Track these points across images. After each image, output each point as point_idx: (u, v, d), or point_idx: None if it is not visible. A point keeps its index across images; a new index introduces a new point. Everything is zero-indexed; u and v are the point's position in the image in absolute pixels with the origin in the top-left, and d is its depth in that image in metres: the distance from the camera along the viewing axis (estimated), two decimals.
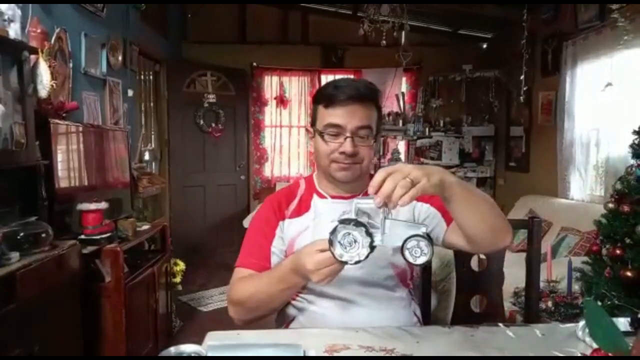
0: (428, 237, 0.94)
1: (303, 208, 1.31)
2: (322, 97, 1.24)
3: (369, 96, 1.23)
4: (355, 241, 0.93)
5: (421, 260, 0.94)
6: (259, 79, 5.63)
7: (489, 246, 1.15)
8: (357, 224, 0.93)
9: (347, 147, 1.19)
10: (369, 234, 0.93)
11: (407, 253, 0.94)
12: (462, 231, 1.11)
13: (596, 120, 3.69)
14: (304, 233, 1.26)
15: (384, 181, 0.90)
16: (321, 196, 1.32)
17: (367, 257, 0.94)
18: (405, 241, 0.94)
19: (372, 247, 0.93)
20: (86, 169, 2.60)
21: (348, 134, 1.19)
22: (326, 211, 1.27)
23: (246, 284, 1.21)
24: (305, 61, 5.64)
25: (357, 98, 1.20)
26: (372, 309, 1.23)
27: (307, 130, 1.36)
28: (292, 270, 1.07)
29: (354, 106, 1.20)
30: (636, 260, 1.83)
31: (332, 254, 0.94)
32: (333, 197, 1.30)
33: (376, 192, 0.90)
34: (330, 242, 0.94)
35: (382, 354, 0.99)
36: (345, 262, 0.95)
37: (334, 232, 0.94)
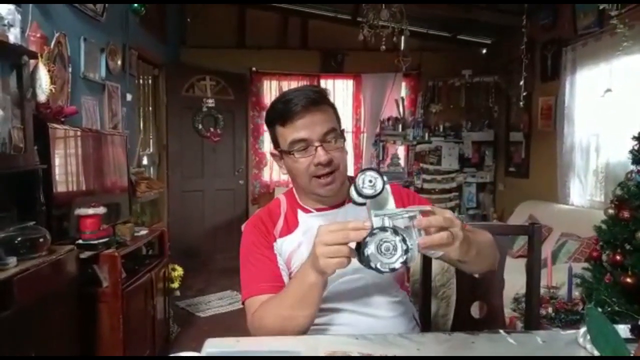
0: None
1: (291, 225, 1.26)
2: (276, 117, 1.18)
3: (321, 99, 1.18)
4: (393, 248, 0.87)
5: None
6: (258, 84, 5.63)
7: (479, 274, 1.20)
8: (394, 231, 0.87)
9: (321, 156, 1.14)
10: (405, 243, 0.87)
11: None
12: (461, 269, 1.14)
13: (596, 125, 3.70)
14: (298, 250, 1.22)
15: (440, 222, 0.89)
16: (306, 211, 1.27)
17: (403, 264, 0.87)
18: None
19: (405, 260, 0.87)
20: (84, 174, 2.59)
21: (317, 143, 1.14)
22: (315, 224, 1.21)
23: (268, 304, 1.12)
24: (305, 66, 5.64)
25: (312, 105, 1.14)
26: (373, 317, 1.21)
27: (272, 155, 1.28)
28: (309, 265, 1.00)
29: (312, 114, 1.14)
30: (636, 267, 1.82)
31: (362, 256, 0.87)
32: (318, 209, 1.26)
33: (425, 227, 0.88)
34: (365, 244, 0.87)
35: None
36: (378, 270, 0.88)
37: (371, 234, 0.87)
